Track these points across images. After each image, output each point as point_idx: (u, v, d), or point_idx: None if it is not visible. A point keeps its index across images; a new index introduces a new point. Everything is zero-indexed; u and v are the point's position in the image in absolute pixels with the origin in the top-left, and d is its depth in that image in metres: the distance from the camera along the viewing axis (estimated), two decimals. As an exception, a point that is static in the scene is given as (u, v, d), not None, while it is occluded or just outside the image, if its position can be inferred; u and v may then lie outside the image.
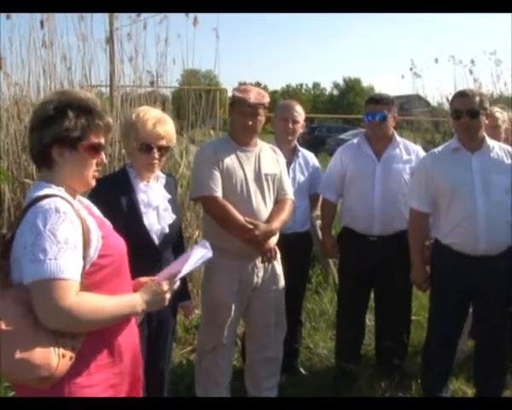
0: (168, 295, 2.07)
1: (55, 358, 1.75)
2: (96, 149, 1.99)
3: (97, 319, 1.83)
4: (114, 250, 1.97)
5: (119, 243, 2.06)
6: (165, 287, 2.06)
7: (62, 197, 1.85)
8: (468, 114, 3.35)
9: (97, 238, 1.89)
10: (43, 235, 1.74)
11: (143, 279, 2.14)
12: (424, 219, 3.60)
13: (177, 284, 2.14)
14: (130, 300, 1.96)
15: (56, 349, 1.76)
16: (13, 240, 1.83)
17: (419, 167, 3.67)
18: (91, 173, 2.01)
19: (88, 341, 1.87)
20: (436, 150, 3.64)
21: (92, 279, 1.87)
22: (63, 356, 1.78)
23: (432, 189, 3.49)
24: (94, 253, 1.88)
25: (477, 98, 3.37)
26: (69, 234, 1.78)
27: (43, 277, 1.72)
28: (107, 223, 2.12)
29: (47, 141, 1.91)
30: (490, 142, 3.46)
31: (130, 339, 2.08)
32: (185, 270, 2.16)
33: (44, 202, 1.80)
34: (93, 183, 2.05)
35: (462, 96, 3.44)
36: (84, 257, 1.84)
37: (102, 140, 2.02)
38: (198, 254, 2.24)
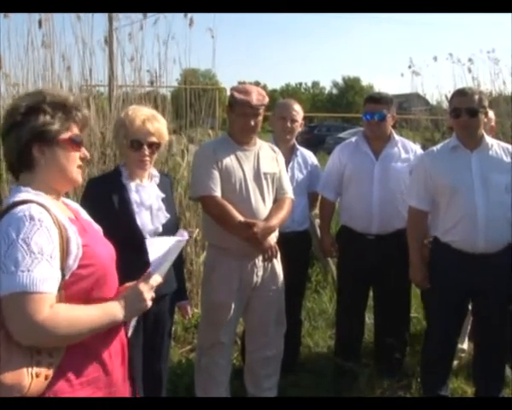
0: (148, 295, 1.93)
1: (27, 378, 1.63)
2: (76, 143, 1.88)
3: (74, 332, 1.71)
4: (97, 260, 1.83)
5: (104, 251, 1.92)
6: (144, 288, 1.91)
7: (39, 203, 1.73)
8: (467, 113, 3.35)
9: (77, 247, 1.76)
10: (16, 245, 1.62)
11: (130, 285, 2.00)
12: (423, 218, 3.60)
13: (159, 280, 1.99)
14: (109, 309, 1.82)
15: (30, 368, 1.65)
16: None
17: (418, 166, 3.67)
18: (75, 168, 1.89)
19: (70, 357, 1.76)
20: (435, 148, 3.64)
21: (72, 290, 1.75)
22: (37, 376, 1.66)
23: (431, 187, 3.49)
24: (73, 262, 1.75)
25: (476, 97, 3.37)
26: (44, 243, 1.66)
27: (15, 290, 1.60)
28: (96, 227, 2.02)
29: (25, 139, 1.79)
30: (489, 140, 3.46)
31: (116, 351, 1.95)
32: (163, 265, 2.04)
33: (18, 209, 1.69)
34: (79, 179, 1.94)
35: (461, 94, 3.44)
36: (63, 267, 1.72)
37: (81, 133, 1.92)
38: (175, 246, 2.12)
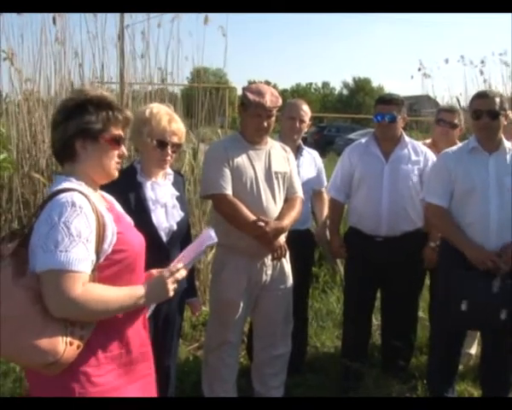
0: (171, 286, 2.08)
1: (61, 344, 1.81)
2: (116, 141, 2.06)
3: (102, 309, 1.88)
4: (129, 246, 2.01)
5: (136, 240, 2.09)
6: (167, 278, 2.07)
7: (80, 191, 1.91)
8: (488, 115, 3.36)
9: (112, 233, 1.94)
10: (57, 227, 1.81)
11: (155, 271, 2.16)
12: (447, 213, 3.56)
13: (183, 273, 2.14)
14: (134, 291, 1.99)
15: (64, 337, 1.82)
16: (32, 231, 1.89)
17: (438, 163, 3.67)
18: (113, 164, 2.08)
19: (98, 332, 1.93)
20: (455, 148, 3.64)
21: (105, 273, 1.93)
22: (70, 344, 1.83)
23: (450, 184, 3.48)
24: (108, 247, 1.93)
25: (497, 99, 3.38)
26: (82, 227, 1.84)
27: (53, 267, 1.78)
28: (128, 219, 2.18)
29: (70, 133, 1.98)
30: (507, 144, 3.47)
31: (140, 332, 2.12)
32: (189, 259, 2.18)
33: (62, 195, 1.87)
34: (116, 173, 2.11)
35: (482, 96, 3.45)
36: (98, 251, 1.90)
37: (122, 133, 2.10)
38: (203, 243, 2.26)
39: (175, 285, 2.11)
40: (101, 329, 1.94)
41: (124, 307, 1.96)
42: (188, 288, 3.13)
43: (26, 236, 1.92)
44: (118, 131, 2.06)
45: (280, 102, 3.37)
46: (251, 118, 3.35)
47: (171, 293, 2.10)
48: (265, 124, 3.33)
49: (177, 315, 3.15)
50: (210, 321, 3.64)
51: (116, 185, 2.28)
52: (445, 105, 4.65)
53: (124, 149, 2.11)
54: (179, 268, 2.12)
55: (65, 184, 1.93)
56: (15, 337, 1.78)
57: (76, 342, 1.85)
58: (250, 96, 3.32)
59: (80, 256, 1.81)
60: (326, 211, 4.30)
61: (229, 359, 3.51)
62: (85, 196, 1.91)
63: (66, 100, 2.08)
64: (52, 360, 1.79)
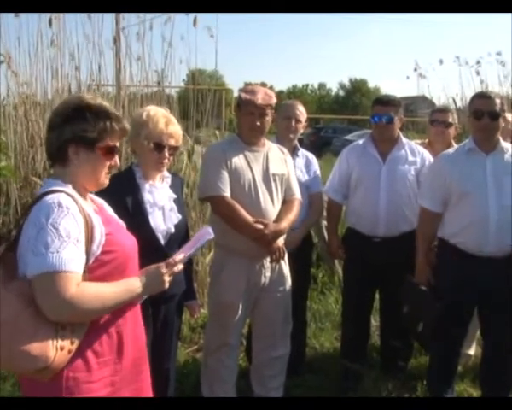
0: (167, 278, 2.09)
1: (52, 350, 1.79)
2: (110, 152, 2.05)
3: (98, 306, 1.87)
4: (118, 247, 2.00)
5: (127, 241, 2.09)
6: (164, 269, 2.08)
7: (67, 193, 1.91)
8: (489, 116, 3.36)
9: (101, 234, 1.94)
10: (46, 229, 1.80)
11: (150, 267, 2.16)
12: (434, 219, 3.59)
13: (180, 267, 2.15)
14: (129, 284, 1.99)
15: (55, 342, 1.80)
16: (20, 235, 1.88)
17: (433, 167, 3.69)
18: (104, 174, 2.07)
19: (90, 337, 1.92)
20: (451, 150, 3.66)
21: (95, 274, 1.92)
22: (61, 349, 1.81)
23: (445, 189, 3.49)
24: (97, 248, 1.92)
25: (498, 100, 3.39)
26: (71, 228, 1.83)
27: (46, 270, 1.77)
28: (120, 222, 2.17)
29: (65, 138, 1.97)
30: (504, 144, 3.48)
31: (134, 337, 2.10)
32: (186, 253, 2.20)
33: (48, 197, 1.86)
34: (106, 183, 2.10)
35: (483, 97, 3.47)
36: (88, 252, 1.89)
37: (117, 144, 2.09)
38: (200, 239, 2.28)
39: (171, 278, 2.12)
40: (94, 333, 1.93)
41: (120, 302, 1.95)
42: (186, 290, 3.14)
43: (13, 239, 1.90)
44: (113, 142, 2.06)
45: (273, 100, 3.37)
46: (244, 117, 3.37)
47: (167, 285, 2.11)
48: (258, 123, 3.33)
49: (176, 318, 3.15)
50: (209, 323, 3.64)
51: (114, 188, 2.29)
52: (439, 106, 4.67)
53: (117, 159, 2.10)
54: (176, 261, 2.13)
55: (52, 187, 1.93)
56: (5, 344, 1.76)
57: (67, 347, 1.84)
58: (243, 95, 3.35)
59: (72, 256, 1.80)
60: (314, 215, 4.28)
61: (228, 361, 3.51)
62: (72, 198, 1.91)
63: (66, 103, 2.07)
64: (43, 365, 1.78)
